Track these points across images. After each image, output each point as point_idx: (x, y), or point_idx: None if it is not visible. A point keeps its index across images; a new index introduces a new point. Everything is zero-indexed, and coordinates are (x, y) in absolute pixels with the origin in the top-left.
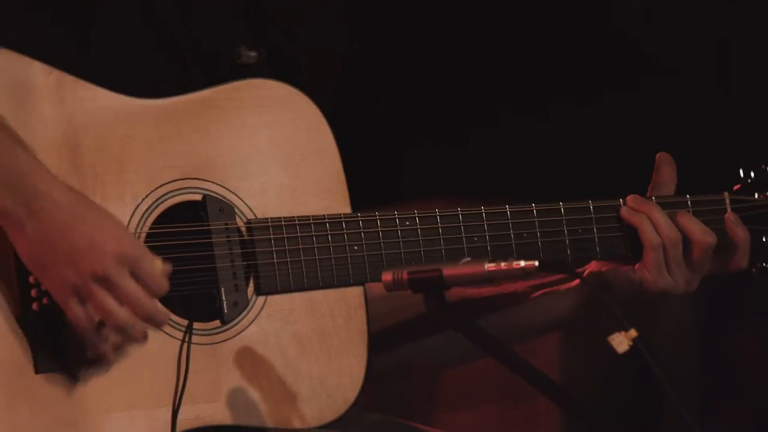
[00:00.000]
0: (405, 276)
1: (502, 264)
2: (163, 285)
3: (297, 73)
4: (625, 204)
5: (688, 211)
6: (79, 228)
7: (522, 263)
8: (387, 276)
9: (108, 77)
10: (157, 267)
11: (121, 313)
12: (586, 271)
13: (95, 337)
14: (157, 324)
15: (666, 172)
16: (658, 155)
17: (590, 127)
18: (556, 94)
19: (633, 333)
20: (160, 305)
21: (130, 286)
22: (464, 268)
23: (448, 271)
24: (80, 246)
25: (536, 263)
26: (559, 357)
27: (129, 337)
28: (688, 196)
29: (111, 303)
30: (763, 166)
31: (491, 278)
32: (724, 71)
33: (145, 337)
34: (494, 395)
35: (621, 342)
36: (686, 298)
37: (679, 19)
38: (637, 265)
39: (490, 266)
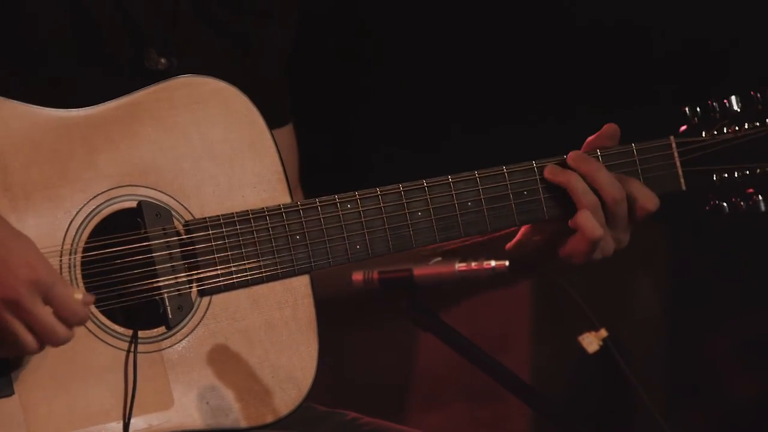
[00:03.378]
0: (375, 276)
1: (473, 264)
2: (79, 312)
3: (245, 46)
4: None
5: (635, 160)
6: None
7: (492, 263)
8: (357, 276)
9: (36, 87)
10: (76, 296)
11: (31, 341)
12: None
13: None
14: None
15: (605, 141)
16: (606, 125)
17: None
18: (534, 97)
19: (603, 333)
20: (68, 332)
21: (42, 313)
22: (435, 268)
23: (419, 271)
24: None
25: (506, 263)
26: (530, 356)
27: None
28: (633, 144)
29: (22, 331)
30: (709, 103)
31: (462, 277)
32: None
33: None
34: (464, 394)
35: (591, 342)
36: (655, 292)
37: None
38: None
39: (460, 266)
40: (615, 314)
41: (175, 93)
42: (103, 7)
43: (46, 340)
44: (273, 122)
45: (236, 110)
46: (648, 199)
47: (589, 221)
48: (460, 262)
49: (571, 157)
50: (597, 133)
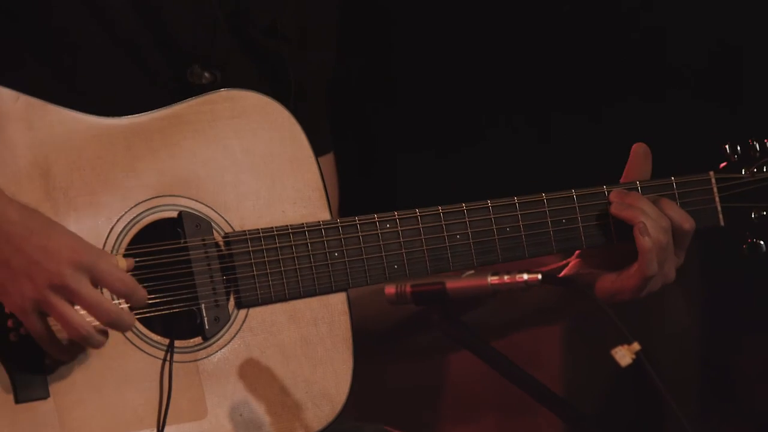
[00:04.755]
0: (408, 289)
1: (505, 277)
2: (126, 280)
3: (280, 69)
4: (608, 193)
5: (674, 194)
6: (33, 241)
7: (525, 276)
8: (390, 289)
9: (77, 97)
10: (120, 263)
11: (83, 323)
12: (570, 266)
13: (59, 352)
14: (123, 328)
15: (640, 164)
16: (634, 146)
17: (582, 135)
18: (548, 102)
19: (636, 346)
20: (124, 309)
21: (90, 292)
22: (467, 281)
23: (452, 284)
24: (35, 259)
25: (539, 276)
26: (562, 369)
27: (92, 345)
28: (673, 178)
29: (71, 313)
30: (750, 141)
31: (495, 291)
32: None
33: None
34: (496, 408)
35: (624, 355)
36: (687, 305)
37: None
38: (634, 268)
39: (493, 279)
40: (647, 327)
41: (217, 106)
42: (144, 24)
43: (98, 317)
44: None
45: (278, 125)
46: (684, 220)
47: (651, 260)
48: (493, 275)
49: (615, 194)
50: (629, 158)
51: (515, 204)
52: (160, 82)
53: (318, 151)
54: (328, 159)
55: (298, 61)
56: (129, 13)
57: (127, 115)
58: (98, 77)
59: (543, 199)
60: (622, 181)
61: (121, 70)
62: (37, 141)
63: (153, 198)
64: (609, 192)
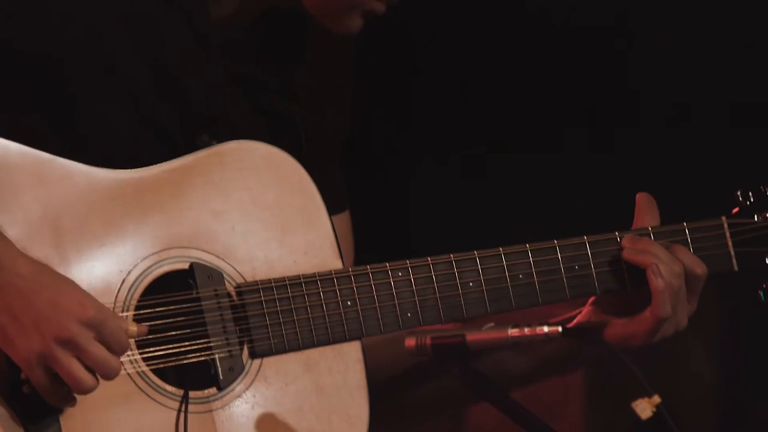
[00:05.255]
0: (428, 342)
1: (526, 330)
2: (125, 348)
3: (292, 130)
4: (620, 238)
5: (687, 239)
6: (43, 295)
7: (545, 329)
8: (410, 341)
9: (85, 152)
10: (130, 330)
11: (87, 379)
12: (583, 313)
13: (62, 402)
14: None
15: (647, 213)
16: (638, 196)
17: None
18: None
19: (656, 399)
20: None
21: (96, 348)
22: (487, 333)
23: (472, 336)
24: (44, 313)
25: (559, 329)
26: (583, 422)
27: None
28: (685, 223)
29: (76, 368)
30: (762, 188)
31: (515, 343)
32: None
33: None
34: None
35: (644, 408)
36: (708, 357)
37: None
38: (647, 312)
39: (513, 332)
40: (668, 380)
41: (226, 158)
42: (156, 85)
43: (101, 373)
44: (327, 209)
45: (288, 176)
46: (696, 265)
47: (665, 302)
48: (513, 327)
49: (628, 239)
50: (636, 209)
51: (527, 251)
52: (170, 147)
53: (333, 209)
54: (344, 217)
55: (311, 121)
56: (141, 75)
57: (135, 168)
58: (106, 133)
59: (555, 246)
60: (633, 229)
61: (131, 128)
62: (46, 196)
63: (164, 250)
64: (621, 238)
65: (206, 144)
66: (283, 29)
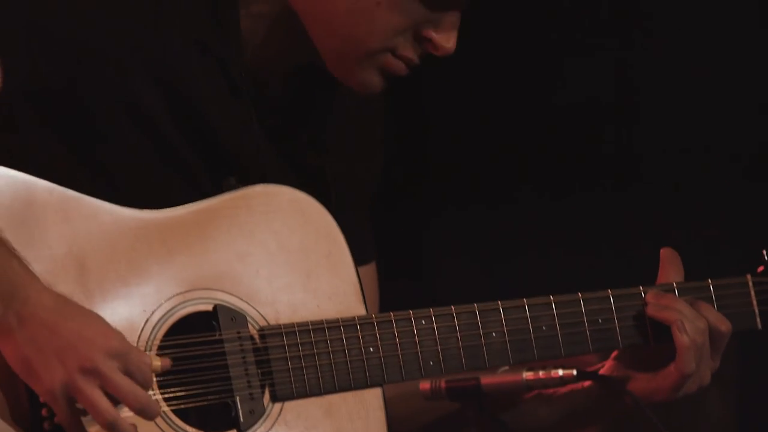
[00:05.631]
0: (443, 385)
1: (540, 373)
2: (148, 382)
3: (321, 181)
4: (645, 293)
5: (711, 296)
6: (67, 326)
7: (560, 372)
8: (425, 385)
9: (112, 190)
10: (155, 363)
11: (111, 409)
12: (606, 367)
13: None
14: (150, 416)
15: (671, 268)
16: (662, 251)
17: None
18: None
19: None
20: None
21: (121, 378)
22: (502, 377)
23: (486, 380)
24: (68, 343)
25: (574, 372)
26: None
27: None
28: (709, 280)
29: (99, 398)
30: None
31: (530, 387)
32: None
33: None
34: None
35: None
36: (724, 405)
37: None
38: (671, 368)
39: (528, 375)
40: (685, 428)
41: (252, 201)
42: (185, 130)
43: (127, 403)
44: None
45: (313, 221)
46: (720, 322)
47: (690, 358)
48: (528, 371)
49: (652, 295)
50: (660, 264)
51: (551, 303)
52: (198, 190)
53: (360, 260)
54: (370, 269)
55: (340, 172)
56: (171, 119)
57: (161, 208)
58: (134, 176)
59: (579, 299)
60: (657, 283)
61: (158, 168)
62: (72, 233)
63: (188, 291)
64: (645, 293)
65: (232, 187)
66: (315, 83)
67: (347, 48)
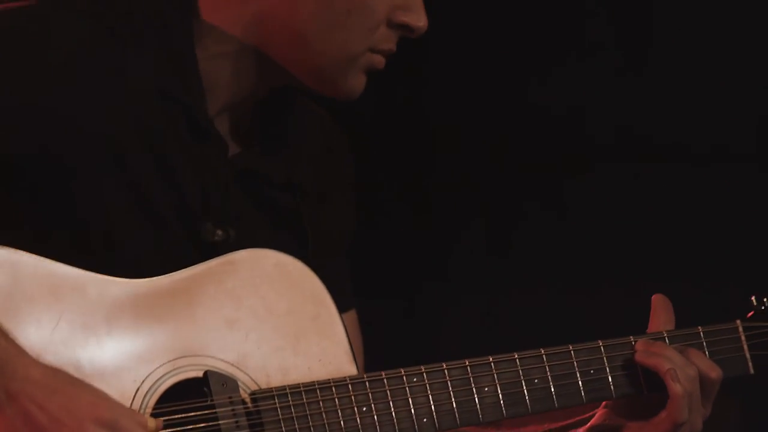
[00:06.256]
0: None
1: None
2: None
3: (296, 225)
4: (635, 343)
5: (702, 343)
6: (55, 400)
7: None
8: None
9: (91, 251)
10: (150, 424)
11: None
12: (597, 416)
13: None
14: None
15: (662, 315)
16: (653, 297)
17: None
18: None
19: None
20: None
21: None
22: None
23: None
24: (57, 417)
25: None
26: None
27: None
28: (699, 327)
29: None
30: None
31: None
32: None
33: None
34: None
35: None
36: None
37: None
38: (663, 415)
39: None
40: None
41: (238, 266)
42: (156, 181)
43: None
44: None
45: (300, 283)
46: (711, 369)
47: (683, 406)
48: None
49: (641, 344)
50: (651, 310)
51: (542, 356)
52: (174, 239)
53: (341, 307)
54: (351, 315)
55: (315, 216)
56: (140, 171)
57: (142, 274)
58: (111, 233)
59: (570, 351)
60: (647, 332)
61: (133, 225)
62: (59, 306)
63: (177, 358)
64: (636, 342)
65: (212, 233)
66: (281, 115)
67: (328, 62)
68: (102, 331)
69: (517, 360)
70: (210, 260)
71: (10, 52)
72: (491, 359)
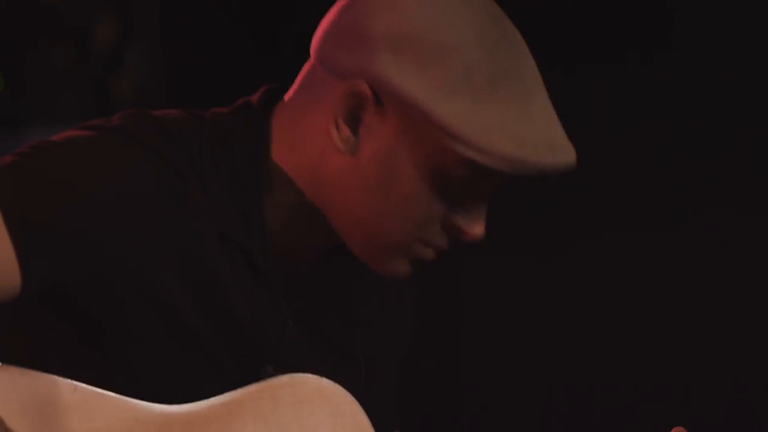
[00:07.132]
0: None
1: None
2: None
3: (352, 355)
4: None
5: None
6: None
7: None
8: None
9: (140, 388)
10: None
11: None
12: None
13: None
14: None
15: None
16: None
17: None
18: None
19: None
20: None
21: None
22: None
23: None
24: None
25: None
26: None
27: None
28: None
29: None
30: None
31: None
32: None
33: None
34: None
35: None
36: None
37: None
38: None
39: None
40: None
41: (278, 392)
42: (213, 324)
43: None
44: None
45: (341, 410)
46: None
47: None
48: None
49: None
50: None
51: None
52: (229, 379)
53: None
54: None
55: (370, 344)
56: (198, 313)
57: (188, 401)
58: (162, 372)
59: None
60: None
61: (188, 366)
62: (93, 430)
63: None
64: None
65: (270, 375)
66: (342, 265)
67: (375, 242)
68: None
69: None
70: (248, 386)
71: (88, 186)
72: None
